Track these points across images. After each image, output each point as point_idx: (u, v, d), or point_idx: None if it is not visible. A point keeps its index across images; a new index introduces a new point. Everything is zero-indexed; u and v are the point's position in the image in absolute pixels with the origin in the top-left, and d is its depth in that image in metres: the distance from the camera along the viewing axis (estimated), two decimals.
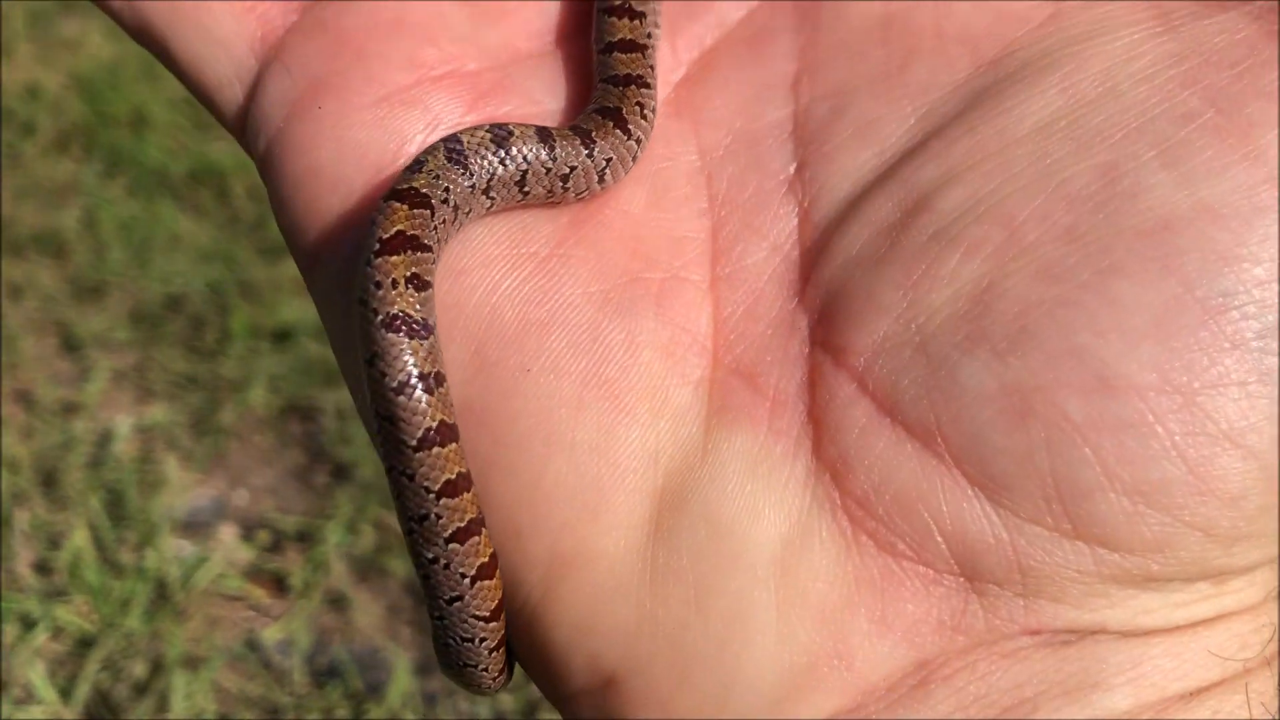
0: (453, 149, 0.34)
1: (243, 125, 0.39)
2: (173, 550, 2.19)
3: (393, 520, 2.34)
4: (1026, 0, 0.35)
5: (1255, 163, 0.29)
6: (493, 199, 0.34)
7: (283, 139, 0.36)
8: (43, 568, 2.17)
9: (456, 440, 0.32)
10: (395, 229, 0.31)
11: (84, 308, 2.77)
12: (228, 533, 2.28)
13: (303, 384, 2.58)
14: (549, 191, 0.35)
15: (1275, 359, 0.29)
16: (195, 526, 2.29)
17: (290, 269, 2.89)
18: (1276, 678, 0.30)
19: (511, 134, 0.34)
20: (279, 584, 2.21)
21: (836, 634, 0.31)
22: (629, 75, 0.36)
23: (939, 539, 0.31)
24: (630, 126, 0.36)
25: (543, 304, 0.35)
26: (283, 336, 2.70)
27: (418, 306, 0.31)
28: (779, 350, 0.35)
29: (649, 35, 0.37)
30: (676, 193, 0.38)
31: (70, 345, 2.68)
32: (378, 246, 0.31)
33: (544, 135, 0.35)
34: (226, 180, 3.18)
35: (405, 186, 0.33)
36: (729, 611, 0.32)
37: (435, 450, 0.31)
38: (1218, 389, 0.28)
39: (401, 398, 0.31)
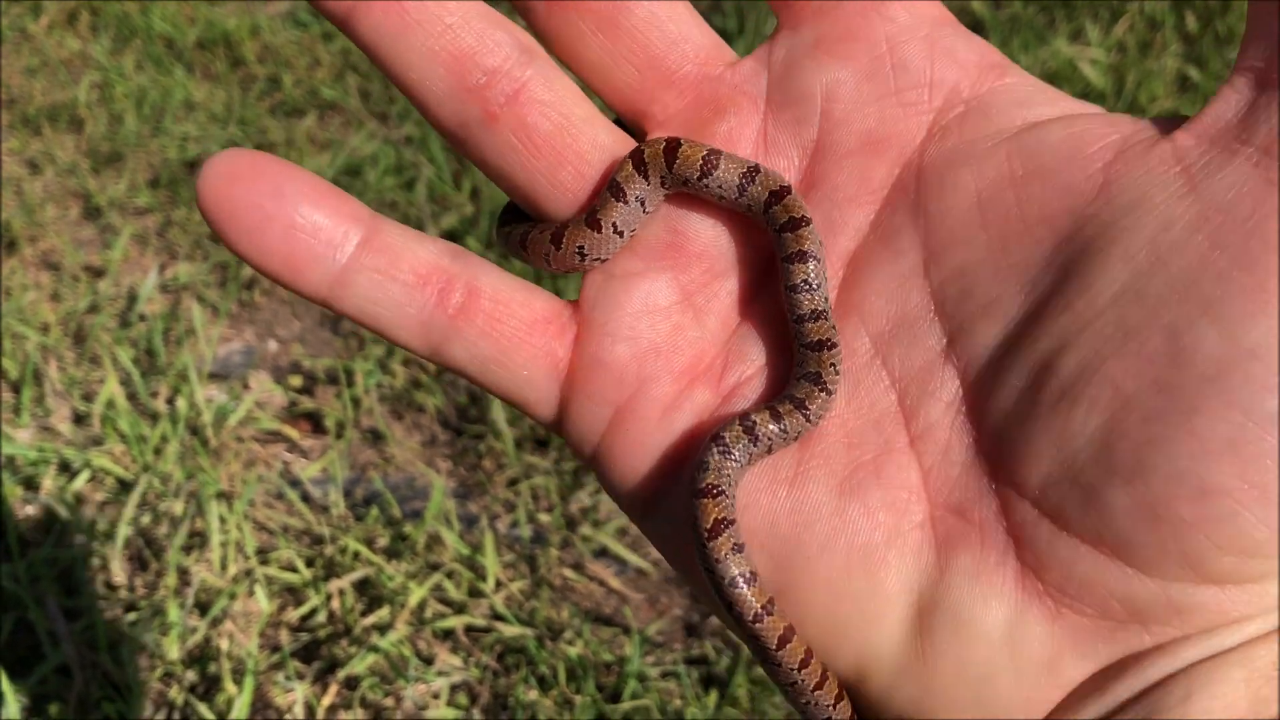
0: (723, 448, 0.48)
1: (558, 428, 0.54)
2: (204, 398, 2.16)
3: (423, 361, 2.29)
4: (1080, 174, 0.46)
5: (1274, 310, 0.40)
6: (751, 466, 0.49)
7: (604, 450, 0.52)
8: (78, 419, 2.16)
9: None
10: (712, 518, 0.47)
11: (102, 176, 2.73)
12: (260, 379, 2.25)
13: None
14: (785, 445, 0.49)
15: None
16: (226, 375, 2.25)
17: (305, 126, 2.82)
18: None
19: (755, 423, 0.48)
20: (315, 424, 2.18)
21: (1054, 674, 0.45)
22: (820, 341, 0.49)
23: (1115, 603, 0.44)
24: (828, 384, 0.49)
25: (801, 509, 0.49)
26: None
27: (743, 562, 0.47)
28: (973, 488, 0.47)
29: (826, 299, 0.50)
30: (864, 381, 0.50)
31: (91, 212, 2.65)
32: (706, 534, 0.47)
33: (775, 415, 0.48)
34: (237, 45, 3.09)
35: (704, 484, 0.48)
36: (979, 674, 0.46)
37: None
38: (1277, 479, 0.41)
39: (759, 625, 0.47)
